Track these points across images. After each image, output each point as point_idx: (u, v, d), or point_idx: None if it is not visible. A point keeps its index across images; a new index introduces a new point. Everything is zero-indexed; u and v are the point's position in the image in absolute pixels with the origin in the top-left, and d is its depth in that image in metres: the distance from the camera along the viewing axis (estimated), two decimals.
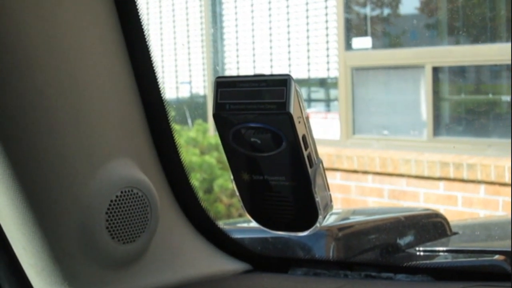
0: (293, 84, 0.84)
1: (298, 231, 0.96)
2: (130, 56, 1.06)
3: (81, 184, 0.99)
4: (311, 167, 0.88)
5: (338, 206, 5.21)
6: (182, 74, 7.03)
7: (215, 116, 0.89)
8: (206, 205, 1.22)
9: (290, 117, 0.84)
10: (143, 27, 1.06)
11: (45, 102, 0.95)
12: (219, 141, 0.93)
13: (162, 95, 1.10)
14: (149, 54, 1.08)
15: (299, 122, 0.86)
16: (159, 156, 1.11)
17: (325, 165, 0.91)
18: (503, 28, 5.00)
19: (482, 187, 4.81)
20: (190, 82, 7.03)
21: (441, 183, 5.00)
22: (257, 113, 0.86)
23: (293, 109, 0.84)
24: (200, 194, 1.21)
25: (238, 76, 0.89)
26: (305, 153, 0.87)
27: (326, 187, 0.92)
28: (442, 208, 4.80)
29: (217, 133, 0.91)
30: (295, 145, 0.86)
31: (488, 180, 4.76)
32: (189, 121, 6.06)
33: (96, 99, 1.01)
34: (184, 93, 7.18)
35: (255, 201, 0.94)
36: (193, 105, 6.97)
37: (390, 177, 5.27)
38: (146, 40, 1.07)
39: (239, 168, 0.92)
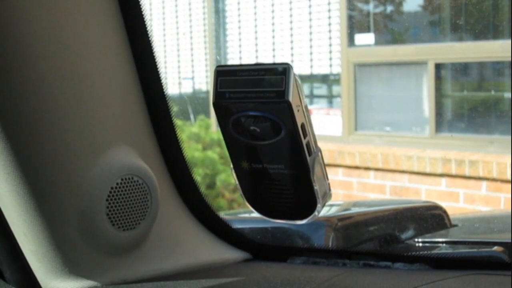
0: (292, 72, 0.85)
1: (296, 219, 0.96)
2: (132, 46, 1.06)
3: (82, 171, 1.00)
4: (309, 155, 0.89)
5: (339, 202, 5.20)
6: (185, 70, 7.04)
7: (215, 104, 0.90)
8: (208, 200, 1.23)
9: (289, 105, 0.85)
10: (145, 19, 1.07)
11: (47, 90, 0.96)
12: (221, 137, 0.93)
13: (163, 85, 1.10)
14: (151, 45, 1.08)
15: (298, 110, 0.86)
16: (160, 145, 1.12)
17: (327, 161, 0.92)
18: (506, 25, 4.99)
19: (484, 183, 4.81)
20: (192, 78, 7.04)
21: (443, 180, 5.00)
22: (257, 101, 0.87)
23: (292, 97, 0.85)
24: (203, 190, 1.22)
25: (238, 65, 0.90)
26: (304, 142, 0.88)
27: (324, 175, 0.93)
28: (443, 205, 4.79)
29: (219, 129, 0.92)
30: (294, 133, 0.87)
31: (490, 177, 4.76)
32: (192, 116, 6.06)
33: (98, 87, 1.01)
34: (187, 89, 7.19)
35: (254, 189, 0.95)
36: (196, 101, 6.98)
37: (392, 173, 5.27)
38: (148, 30, 1.08)
39: (238, 156, 0.93)
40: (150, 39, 1.08)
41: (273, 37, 6.28)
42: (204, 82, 7.03)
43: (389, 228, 1.46)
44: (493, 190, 4.77)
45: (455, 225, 1.59)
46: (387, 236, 1.42)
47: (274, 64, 0.86)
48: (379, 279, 1.10)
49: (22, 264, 1.06)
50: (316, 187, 0.90)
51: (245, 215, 1.53)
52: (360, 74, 5.76)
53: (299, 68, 6.03)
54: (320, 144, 0.91)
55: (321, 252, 1.24)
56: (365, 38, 5.89)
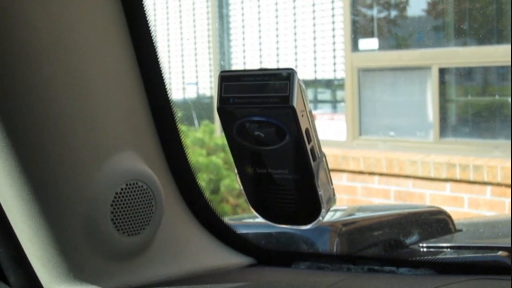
0: (296, 78, 0.85)
1: (301, 224, 0.96)
2: (136, 52, 1.07)
3: (87, 176, 1.00)
4: (314, 160, 0.89)
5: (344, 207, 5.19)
6: (189, 75, 7.05)
7: (219, 110, 0.90)
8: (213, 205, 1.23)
9: (293, 110, 0.85)
10: (149, 23, 1.07)
11: (52, 95, 0.96)
12: (225, 142, 0.94)
13: (167, 90, 1.11)
14: (155, 50, 1.08)
15: (302, 115, 0.87)
16: (164, 151, 1.12)
17: (331, 166, 0.92)
18: (509, 30, 4.99)
19: (489, 188, 4.80)
20: (196, 83, 7.05)
21: (448, 185, 5.00)
22: (261, 106, 0.87)
23: (296, 102, 0.85)
24: (207, 195, 1.22)
25: (242, 70, 0.90)
26: (308, 147, 0.88)
27: (329, 180, 0.93)
28: (448, 210, 4.77)
29: (223, 134, 0.92)
30: (298, 138, 0.87)
31: (494, 182, 4.75)
32: (196, 122, 6.07)
33: (103, 92, 1.02)
34: (191, 94, 7.19)
35: (259, 194, 0.95)
36: (200, 106, 6.98)
37: (396, 178, 5.27)
38: (152, 36, 1.08)
39: (243, 161, 0.93)
40: (154, 44, 1.08)
41: (277, 42, 6.29)
42: (208, 87, 7.04)
43: (394, 233, 1.46)
44: (497, 195, 4.77)
45: (460, 230, 1.58)
46: (392, 241, 1.42)
47: (278, 69, 0.87)
48: (383, 284, 1.10)
49: (27, 270, 1.06)
50: (321, 192, 0.91)
51: (250, 220, 1.53)
52: (364, 79, 5.76)
53: (303, 73, 6.04)
54: (325, 149, 0.91)
55: (325, 257, 1.24)
56: (369, 43, 5.89)
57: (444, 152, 5.15)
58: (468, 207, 4.89)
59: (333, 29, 5.91)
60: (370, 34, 5.85)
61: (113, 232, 1.02)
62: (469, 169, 4.86)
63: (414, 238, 1.44)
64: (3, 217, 1.04)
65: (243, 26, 6.54)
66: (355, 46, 5.81)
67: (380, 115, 5.79)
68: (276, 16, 6.27)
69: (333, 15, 5.89)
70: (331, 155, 5.41)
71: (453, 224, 1.57)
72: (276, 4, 6.26)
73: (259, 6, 6.41)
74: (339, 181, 5.42)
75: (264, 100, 0.86)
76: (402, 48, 5.74)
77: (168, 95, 1.11)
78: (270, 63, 6.33)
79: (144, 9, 1.06)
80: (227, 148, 0.94)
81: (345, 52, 5.82)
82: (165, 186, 1.11)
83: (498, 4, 5.06)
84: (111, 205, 1.02)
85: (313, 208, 0.92)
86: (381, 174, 5.35)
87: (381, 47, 5.82)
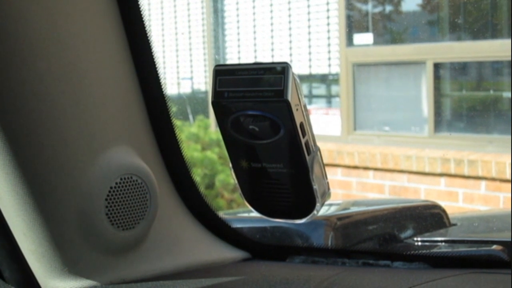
0: (291, 72, 0.85)
1: (296, 218, 0.96)
2: (131, 46, 1.07)
3: (81, 170, 1.00)
4: (308, 154, 0.89)
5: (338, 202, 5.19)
6: (184, 70, 7.04)
7: (213, 104, 0.90)
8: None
9: (288, 104, 0.85)
10: (143, 18, 1.07)
11: (46, 89, 0.96)
12: (220, 137, 0.93)
13: (162, 85, 1.11)
14: (150, 44, 1.08)
15: (297, 109, 0.86)
16: (159, 145, 1.12)
17: (326, 161, 0.92)
18: (504, 24, 5.00)
19: (483, 183, 4.81)
20: (191, 78, 7.04)
21: (442, 179, 5.01)
22: (256, 100, 0.87)
23: (290, 96, 0.85)
24: (202, 190, 1.22)
25: (236, 64, 0.90)
26: (303, 141, 0.88)
27: (323, 174, 0.93)
28: (443, 204, 4.77)
29: (218, 129, 0.92)
30: (293, 132, 0.87)
31: (489, 176, 4.76)
32: (191, 117, 6.06)
33: (97, 87, 1.01)
34: (186, 89, 7.19)
35: (254, 189, 0.95)
36: (195, 101, 6.98)
37: (391, 173, 5.28)
38: (147, 30, 1.08)
39: (237, 155, 0.93)
40: (149, 39, 1.08)
41: (272, 37, 6.28)
42: (203, 82, 7.04)
43: (388, 227, 1.46)
44: (492, 189, 4.78)
45: (454, 224, 1.58)
46: (386, 235, 1.42)
47: (273, 63, 0.86)
48: (378, 278, 1.10)
49: (22, 264, 1.06)
50: (315, 186, 0.91)
51: (244, 215, 1.53)
52: (359, 74, 5.77)
53: (298, 68, 6.04)
54: (319, 144, 0.91)
55: (320, 251, 1.24)
56: (363, 38, 5.90)
57: (439, 146, 5.16)
58: (462, 201, 4.90)
59: (328, 24, 5.91)
60: (365, 29, 5.86)
61: (107, 226, 1.02)
62: (463, 164, 4.87)
63: (409, 232, 1.45)
64: None
65: (238, 21, 6.54)
66: (350, 41, 5.81)
67: (375, 110, 5.79)
68: (271, 11, 6.26)
69: (328, 10, 5.89)
70: (326, 150, 5.42)
71: (448, 218, 1.58)
72: None
73: (253, 1, 6.40)
74: (334, 176, 5.43)
75: (259, 94, 0.86)
76: (397, 43, 5.75)
77: (163, 90, 1.11)
78: (264, 58, 6.33)
79: (139, 3, 1.06)
80: (222, 143, 0.94)
81: (340, 47, 5.82)
82: (160, 181, 1.11)
83: None
84: (106, 200, 1.02)
85: (307, 202, 0.92)
86: (375, 169, 5.35)
87: (376, 42, 5.82)
